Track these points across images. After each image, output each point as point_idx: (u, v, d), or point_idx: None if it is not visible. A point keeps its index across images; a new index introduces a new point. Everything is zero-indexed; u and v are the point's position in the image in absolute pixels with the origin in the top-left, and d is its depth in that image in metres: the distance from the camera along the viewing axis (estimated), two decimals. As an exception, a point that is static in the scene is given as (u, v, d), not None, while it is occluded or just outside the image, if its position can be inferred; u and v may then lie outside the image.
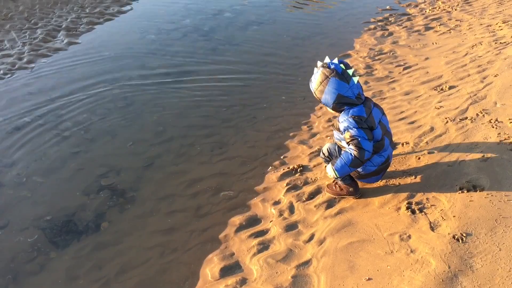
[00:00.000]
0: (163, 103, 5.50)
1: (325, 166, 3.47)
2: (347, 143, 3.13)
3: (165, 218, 3.76)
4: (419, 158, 3.83)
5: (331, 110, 3.20)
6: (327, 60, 3.14)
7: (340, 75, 3.02)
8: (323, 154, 3.52)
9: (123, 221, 3.73)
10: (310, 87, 3.17)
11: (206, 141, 4.74)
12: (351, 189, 3.54)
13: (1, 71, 6.44)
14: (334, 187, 3.61)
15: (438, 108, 4.61)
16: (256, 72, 6.23)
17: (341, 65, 3.05)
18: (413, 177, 3.61)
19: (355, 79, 3.05)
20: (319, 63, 3.12)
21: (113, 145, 4.72)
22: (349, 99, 3.07)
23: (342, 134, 3.16)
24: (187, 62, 6.61)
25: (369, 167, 3.32)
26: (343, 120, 3.11)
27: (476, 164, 3.52)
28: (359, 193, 3.54)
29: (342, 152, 3.19)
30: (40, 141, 4.79)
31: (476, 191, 3.25)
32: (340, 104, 3.09)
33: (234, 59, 6.67)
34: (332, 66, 3.04)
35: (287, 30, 7.76)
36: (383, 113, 3.34)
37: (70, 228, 3.68)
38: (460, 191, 3.28)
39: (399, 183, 3.59)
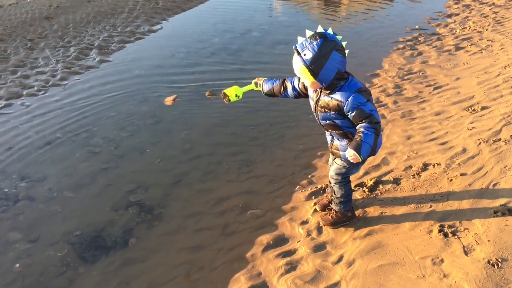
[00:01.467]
0: (191, 121, 5.55)
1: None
2: (359, 121, 2.72)
3: (192, 236, 3.75)
4: (451, 180, 3.75)
5: (311, 86, 2.79)
6: (320, 29, 2.65)
7: (341, 48, 2.66)
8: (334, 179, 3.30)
9: (151, 238, 3.74)
10: (299, 61, 2.62)
11: (234, 159, 4.74)
12: (349, 214, 3.47)
13: (35, 88, 6.61)
14: (330, 218, 3.53)
15: (470, 129, 4.52)
16: (284, 91, 6.22)
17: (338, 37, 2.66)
18: (445, 199, 3.53)
19: (347, 52, 2.70)
20: (309, 33, 2.66)
21: (141, 162, 4.77)
22: (344, 74, 2.73)
23: (340, 112, 2.79)
24: (215, 80, 6.67)
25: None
26: (347, 97, 2.70)
27: (511, 187, 3.42)
28: (357, 218, 3.48)
29: (360, 132, 2.70)
30: (71, 157, 4.88)
31: (511, 215, 3.15)
32: (336, 81, 2.70)
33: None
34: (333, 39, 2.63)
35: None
36: None
37: (98, 244, 3.71)
38: (494, 215, 3.19)
39: (430, 205, 3.52)
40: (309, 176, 4.40)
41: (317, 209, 3.77)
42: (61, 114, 5.84)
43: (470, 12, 9.36)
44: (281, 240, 3.62)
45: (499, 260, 2.83)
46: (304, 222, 3.74)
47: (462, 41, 7.64)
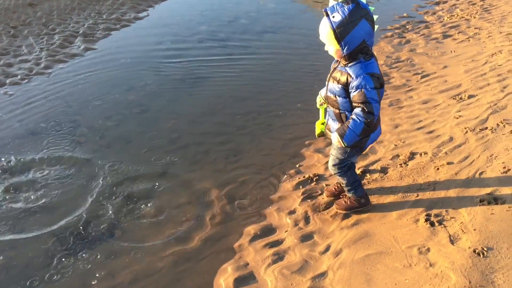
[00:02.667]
0: (178, 110, 5.49)
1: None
2: (357, 104, 2.66)
3: (179, 227, 3.72)
4: (437, 169, 3.75)
5: (334, 55, 2.70)
6: None
7: (371, 19, 2.56)
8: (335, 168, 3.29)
9: (137, 229, 3.71)
10: (327, 24, 2.55)
11: (221, 148, 4.71)
12: (362, 200, 3.46)
13: (19, 76, 6.50)
14: (344, 202, 3.53)
15: (458, 118, 4.53)
16: (271, 80, 6.19)
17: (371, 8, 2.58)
18: (432, 188, 3.54)
19: (376, 27, 2.62)
20: None
21: (128, 152, 4.71)
22: (368, 49, 2.64)
23: (346, 89, 2.72)
24: (202, 69, 6.60)
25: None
26: (357, 75, 2.62)
27: (497, 175, 3.43)
28: (370, 203, 3.47)
29: (351, 118, 2.70)
30: (56, 147, 4.80)
31: (497, 203, 3.17)
32: (356, 53, 2.61)
33: (249, 66, 6.64)
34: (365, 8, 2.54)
35: (303, 38, 7.72)
36: None
37: (84, 236, 3.67)
38: (480, 204, 3.20)
39: (417, 194, 3.52)
40: (297, 166, 4.38)
41: (325, 195, 3.74)
42: (45, 103, 5.75)
43: (458, 0, 9.34)
44: (268, 230, 3.61)
45: (485, 249, 2.84)
46: (291, 212, 3.73)
47: (450, 29, 7.64)
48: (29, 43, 7.68)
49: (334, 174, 3.28)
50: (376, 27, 2.64)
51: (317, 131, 3.39)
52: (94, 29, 8.33)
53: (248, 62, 6.79)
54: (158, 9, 9.75)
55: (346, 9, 2.48)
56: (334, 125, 2.97)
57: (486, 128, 4.18)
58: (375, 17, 2.60)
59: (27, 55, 7.21)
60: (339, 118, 2.91)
